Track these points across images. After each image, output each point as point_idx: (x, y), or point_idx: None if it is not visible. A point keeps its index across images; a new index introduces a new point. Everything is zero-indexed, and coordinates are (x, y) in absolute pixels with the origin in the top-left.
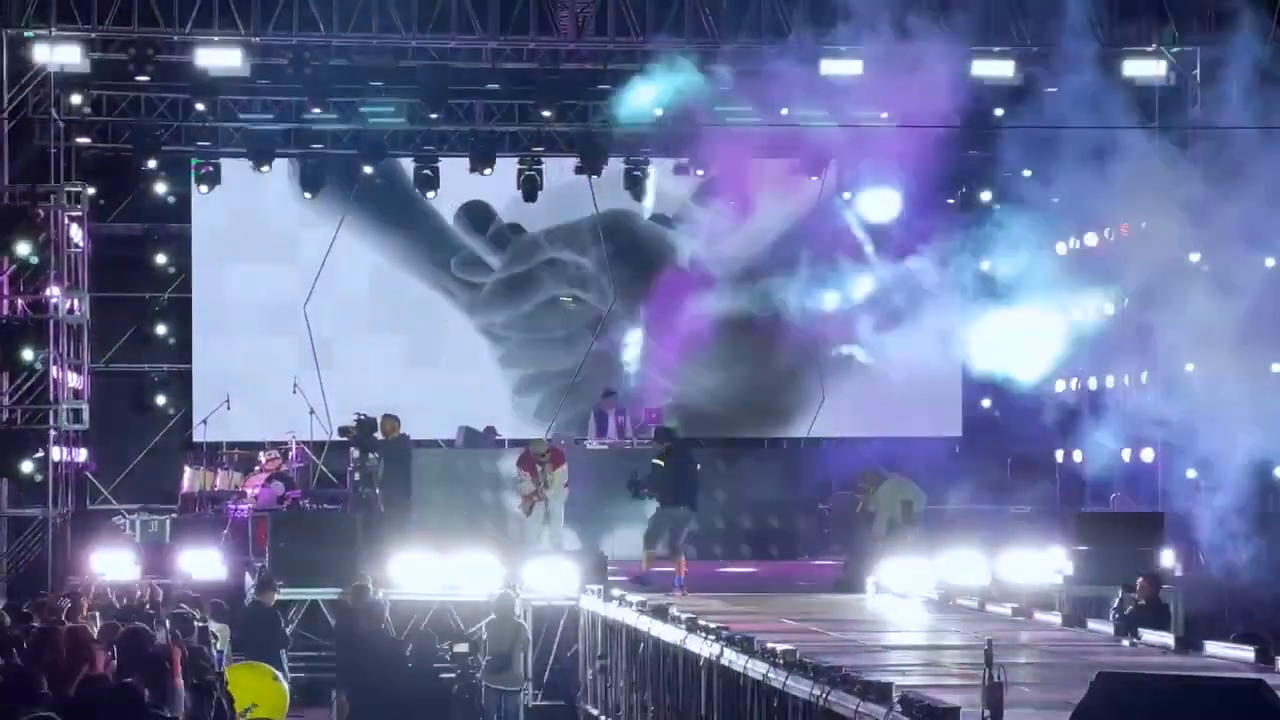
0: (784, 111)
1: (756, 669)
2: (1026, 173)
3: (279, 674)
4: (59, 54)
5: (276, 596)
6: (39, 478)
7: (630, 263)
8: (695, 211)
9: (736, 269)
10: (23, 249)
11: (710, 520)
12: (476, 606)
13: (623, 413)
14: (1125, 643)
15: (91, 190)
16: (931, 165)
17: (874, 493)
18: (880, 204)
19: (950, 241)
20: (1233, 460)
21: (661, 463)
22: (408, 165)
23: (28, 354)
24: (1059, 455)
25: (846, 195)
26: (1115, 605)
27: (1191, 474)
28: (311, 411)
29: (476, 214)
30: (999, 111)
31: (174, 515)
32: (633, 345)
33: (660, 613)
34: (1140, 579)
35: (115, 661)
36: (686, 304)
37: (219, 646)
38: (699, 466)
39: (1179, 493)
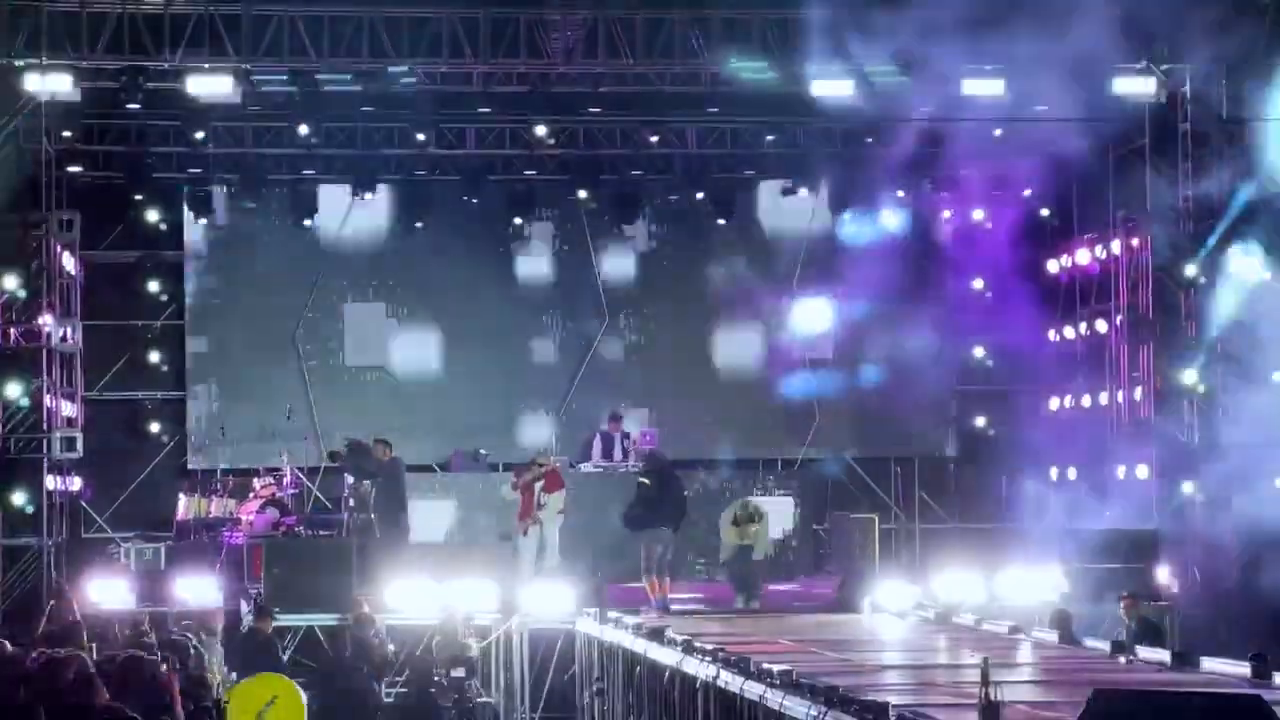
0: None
1: (753, 690)
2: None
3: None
4: (50, 83)
5: (273, 624)
6: (30, 509)
7: (625, 284)
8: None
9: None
10: (13, 279)
11: (706, 542)
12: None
13: (628, 436)
14: (1122, 660)
15: (82, 218)
16: None
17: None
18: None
19: None
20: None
21: (647, 481)
22: (399, 190)
23: (19, 384)
24: (1053, 472)
25: (847, 216)
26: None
27: (1188, 488)
28: (305, 437)
29: (469, 236)
30: None
31: (169, 543)
32: (627, 367)
33: (656, 635)
34: (1122, 600)
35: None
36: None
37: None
38: (685, 490)
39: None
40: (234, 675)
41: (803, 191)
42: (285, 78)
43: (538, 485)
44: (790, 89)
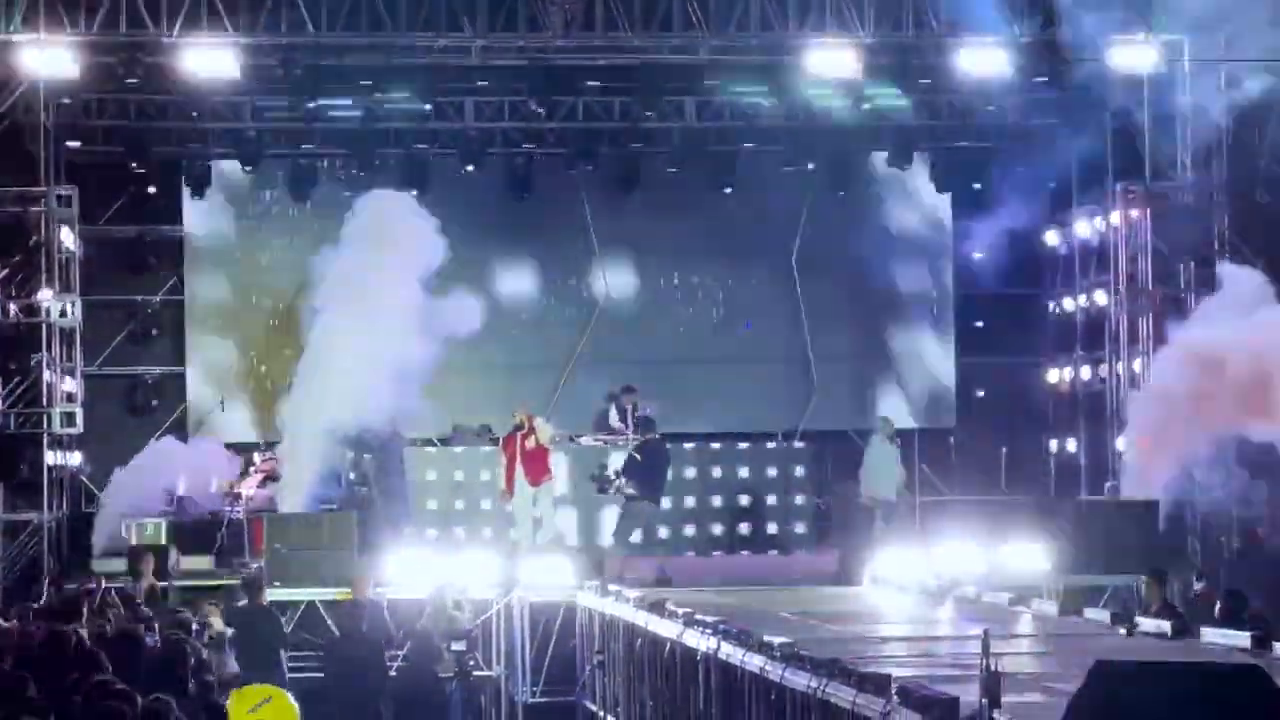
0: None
1: (754, 662)
2: None
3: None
4: (47, 58)
5: (268, 596)
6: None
7: (624, 257)
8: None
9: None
10: (13, 254)
11: (706, 515)
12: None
13: (637, 408)
14: (1122, 630)
15: (81, 193)
16: None
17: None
18: None
19: None
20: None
21: (639, 456)
22: (396, 164)
23: (20, 359)
24: (1053, 444)
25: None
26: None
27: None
28: None
29: (467, 209)
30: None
31: (170, 518)
32: (626, 340)
33: (658, 607)
34: (1146, 580)
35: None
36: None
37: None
38: (669, 464)
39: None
40: (236, 653)
41: (801, 164)
42: (284, 53)
43: (520, 436)
44: (789, 61)
